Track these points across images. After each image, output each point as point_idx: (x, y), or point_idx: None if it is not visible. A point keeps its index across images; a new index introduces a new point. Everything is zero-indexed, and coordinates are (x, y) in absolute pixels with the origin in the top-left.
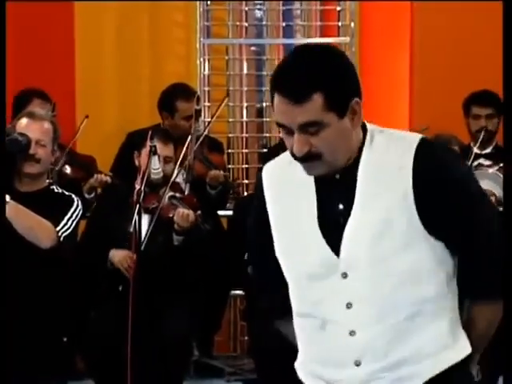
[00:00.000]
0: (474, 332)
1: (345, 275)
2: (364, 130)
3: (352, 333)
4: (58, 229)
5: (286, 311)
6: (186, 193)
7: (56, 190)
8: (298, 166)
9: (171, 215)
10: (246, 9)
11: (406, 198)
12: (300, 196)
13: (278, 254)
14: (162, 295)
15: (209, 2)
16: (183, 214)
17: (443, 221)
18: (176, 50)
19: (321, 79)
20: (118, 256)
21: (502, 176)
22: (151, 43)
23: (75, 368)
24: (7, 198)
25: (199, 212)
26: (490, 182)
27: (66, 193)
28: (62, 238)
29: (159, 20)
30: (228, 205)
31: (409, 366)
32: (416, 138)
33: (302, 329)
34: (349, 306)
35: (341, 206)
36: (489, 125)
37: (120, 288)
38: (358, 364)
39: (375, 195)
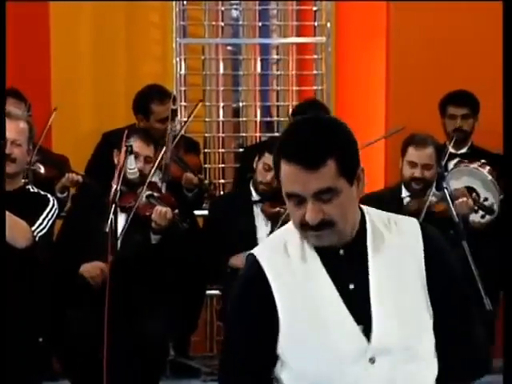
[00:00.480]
0: None
1: (372, 361)
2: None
3: None
4: (33, 228)
5: None
6: (163, 192)
7: (32, 190)
8: (296, 250)
9: (148, 214)
10: (223, 8)
11: (421, 279)
12: (314, 280)
13: (288, 346)
14: (140, 295)
15: (185, 2)
16: (161, 212)
17: (442, 299)
18: (152, 49)
19: (333, 145)
20: (86, 267)
21: (482, 170)
22: (127, 43)
23: (51, 368)
24: None
25: (177, 211)
26: (469, 178)
27: (42, 192)
28: (37, 238)
29: (135, 20)
30: (204, 205)
31: None
32: (411, 218)
33: None
34: None
35: (351, 286)
36: (464, 125)
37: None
38: None
39: (393, 277)
